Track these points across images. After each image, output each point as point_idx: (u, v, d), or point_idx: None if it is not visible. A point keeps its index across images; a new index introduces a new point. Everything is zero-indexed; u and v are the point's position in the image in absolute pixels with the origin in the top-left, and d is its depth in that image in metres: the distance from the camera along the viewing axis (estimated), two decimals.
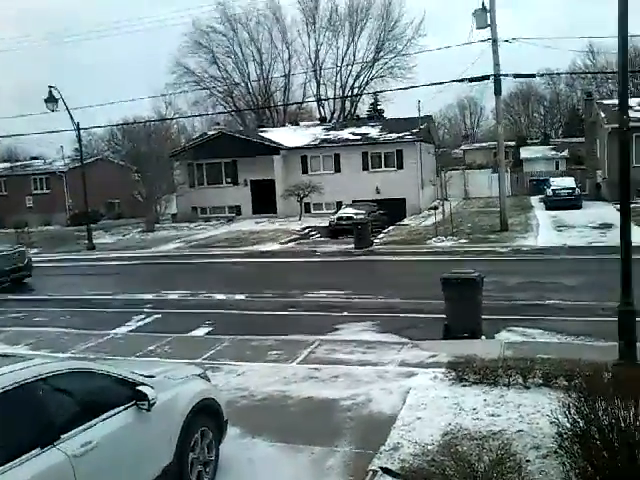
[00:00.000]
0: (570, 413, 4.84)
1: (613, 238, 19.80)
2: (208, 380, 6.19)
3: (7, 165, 48.47)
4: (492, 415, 6.45)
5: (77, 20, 79.15)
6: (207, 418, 5.52)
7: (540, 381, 7.11)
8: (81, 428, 4.17)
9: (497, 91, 23.87)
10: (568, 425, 4.85)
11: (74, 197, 39.46)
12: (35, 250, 29.32)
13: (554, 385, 6.94)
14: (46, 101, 26.82)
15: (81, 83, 74.85)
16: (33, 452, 3.77)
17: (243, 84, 57.29)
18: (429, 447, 5.82)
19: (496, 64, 23.14)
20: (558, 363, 7.26)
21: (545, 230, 23.64)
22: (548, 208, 30.80)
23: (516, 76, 25.84)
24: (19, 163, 49.08)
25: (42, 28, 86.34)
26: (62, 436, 4.00)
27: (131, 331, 12.18)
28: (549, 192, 32.29)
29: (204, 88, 56.02)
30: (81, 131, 29.34)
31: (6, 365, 4.09)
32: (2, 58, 75.57)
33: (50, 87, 26.74)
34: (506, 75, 24.00)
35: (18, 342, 11.26)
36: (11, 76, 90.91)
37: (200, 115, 54.06)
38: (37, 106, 53.33)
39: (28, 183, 43.84)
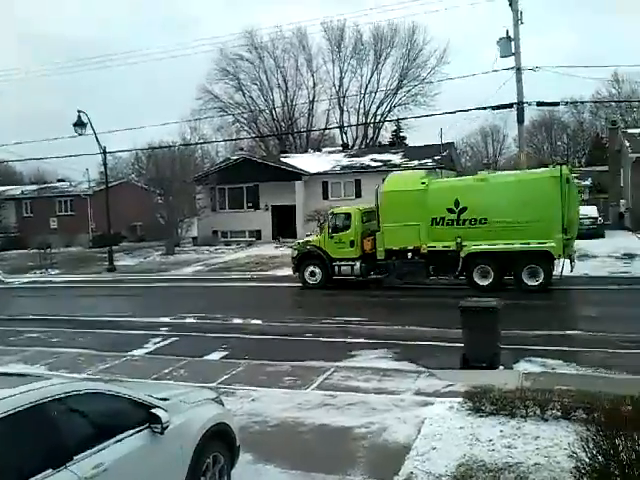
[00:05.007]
0: (589, 447, 4.74)
1: (638, 268, 19.62)
2: (222, 404, 6.15)
3: (34, 187, 49.45)
4: (508, 447, 6.33)
5: (98, 48, 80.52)
6: (220, 443, 5.49)
7: (558, 413, 6.97)
8: (93, 450, 4.15)
9: (520, 119, 23.82)
10: (587, 460, 4.76)
11: (97, 219, 40.05)
12: (56, 271, 29.78)
13: (573, 418, 6.80)
14: (75, 125, 27.39)
15: (105, 110, 76.33)
16: (45, 473, 3.75)
17: (267, 110, 58.05)
18: (443, 478, 5.72)
19: (519, 92, 23.14)
20: (577, 395, 7.12)
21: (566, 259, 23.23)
22: None
23: (539, 104, 25.64)
24: (45, 185, 50.02)
25: (60, 57, 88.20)
26: (75, 458, 3.99)
27: (148, 353, 12.23)
28: None
29: (229, 114, 56.91)
30: (107, 155, 29.88)
31: (23, 385, 4.11)
32: (24, 86, 77.54)
33: (79, 112, 27.36)
34: (529, 103, 23.90)
35: (36, 362, 11.39)
36: (33, 103, 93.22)
37: (224, 140, 54.79)
38: (60, 131, 54.92)
39: (53, 205, 44.64)
